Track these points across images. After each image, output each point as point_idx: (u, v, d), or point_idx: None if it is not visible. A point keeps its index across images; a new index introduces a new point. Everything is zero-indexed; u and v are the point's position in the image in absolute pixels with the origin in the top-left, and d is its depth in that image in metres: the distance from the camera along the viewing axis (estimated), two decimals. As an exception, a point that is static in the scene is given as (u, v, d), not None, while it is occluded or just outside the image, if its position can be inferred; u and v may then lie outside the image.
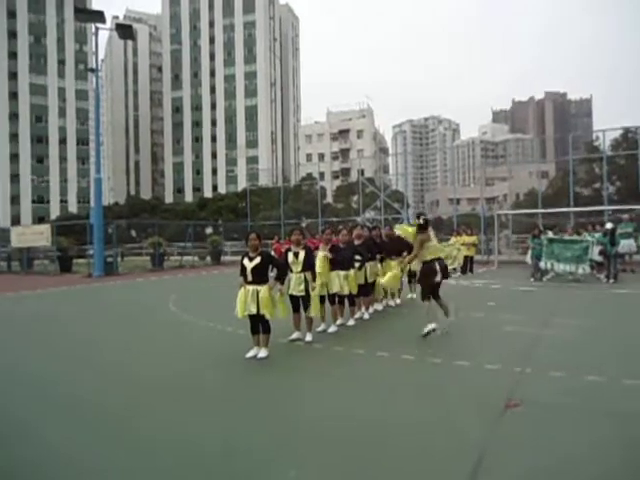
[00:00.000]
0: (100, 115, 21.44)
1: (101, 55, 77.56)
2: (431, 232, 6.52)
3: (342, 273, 6.98)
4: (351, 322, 7.32)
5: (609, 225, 13.80)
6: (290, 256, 6.17)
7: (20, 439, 3.41)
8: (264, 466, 2.93)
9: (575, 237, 13.81)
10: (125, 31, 21.93)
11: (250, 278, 5.42)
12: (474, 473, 2.74)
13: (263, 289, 5.39)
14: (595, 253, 13.18)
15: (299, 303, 6.23)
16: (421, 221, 6.47)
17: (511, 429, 3.37)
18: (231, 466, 2.94)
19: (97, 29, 20.57)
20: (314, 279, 6.19)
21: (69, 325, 8.25)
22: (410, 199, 66.98)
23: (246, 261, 5.49)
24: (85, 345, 6.56)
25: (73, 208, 64.91)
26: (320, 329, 6.73)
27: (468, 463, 2.84)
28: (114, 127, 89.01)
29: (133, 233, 31.45)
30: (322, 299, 6.61)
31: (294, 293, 6.17)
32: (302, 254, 6.12)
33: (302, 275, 6.12)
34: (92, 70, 22.08)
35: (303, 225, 23.37)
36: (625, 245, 14.77)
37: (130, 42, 72.16)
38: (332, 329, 6.84)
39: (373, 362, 5.26)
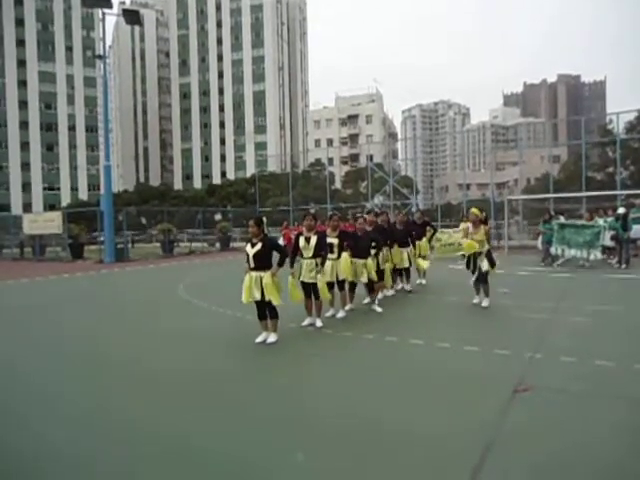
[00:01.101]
0: (108, 102, 21.46)
1: (108, 41, 77.29)
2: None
3: (360, 261, 6.94)
4: (378, 309, 7.21)
5: (621, 210, 13.63)
6: (301, 241, 6.14)
7: (15, 429, 3.49)
8: (271, 450, 2.97)
9: (587, 222, 13.66)
10: (132, 16, 21.81)
11: (253, 264, 5.45)
12: (483, 457, 2.75)
13: (266, 275, 5.38)
14: (607, 238, 13.03)
15: (310, 289, 6.20)
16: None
17: (520, 414, 3.38)
18: (236, 451, 2.98)
19: (104, 15, 20.47)
20: (323, 264, 6.18)
21: (82, 310, 8.37)
22: (419, 184, 66.51)
23: (248, 247, 5.54)
24: (96, 329, 6.66)
25: (83, 195, 65.38)
26: (329, 314, 6.76)
27: (478, 448, 2.86)
28: (122, 114, 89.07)
29: (143, 220, 31.63)
30: (331, 285, 6.62)
31: (305, 279, 6.15)
32: (314, 239, 6.09)
33: (313, 261, 6.11)
34: (100, 57, 22.01)
35: (312, 211, 23.34)
36: (638, 230, 14.61)
37: (137, 28, 71.67)
38: (340, 314, 6.85)
39: (382, 347, 5.28)
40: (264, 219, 5.90)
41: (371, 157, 36.47)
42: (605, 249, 13.34)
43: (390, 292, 8.62)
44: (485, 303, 7.34)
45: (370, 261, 7.09)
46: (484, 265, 7.24)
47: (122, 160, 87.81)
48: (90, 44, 69.60)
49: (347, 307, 7.16)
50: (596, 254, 12.77)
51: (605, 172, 28.91)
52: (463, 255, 7.71)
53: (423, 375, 4.40)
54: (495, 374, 4.30)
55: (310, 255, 6.11)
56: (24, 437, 3.23)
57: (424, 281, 9.94)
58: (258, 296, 5.39)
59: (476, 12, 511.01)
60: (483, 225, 7.39)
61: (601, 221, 13.47)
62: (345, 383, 4.17)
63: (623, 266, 12.37)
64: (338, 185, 46.03)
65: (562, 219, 13.78)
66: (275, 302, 5.38)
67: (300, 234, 6.27)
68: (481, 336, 5.67)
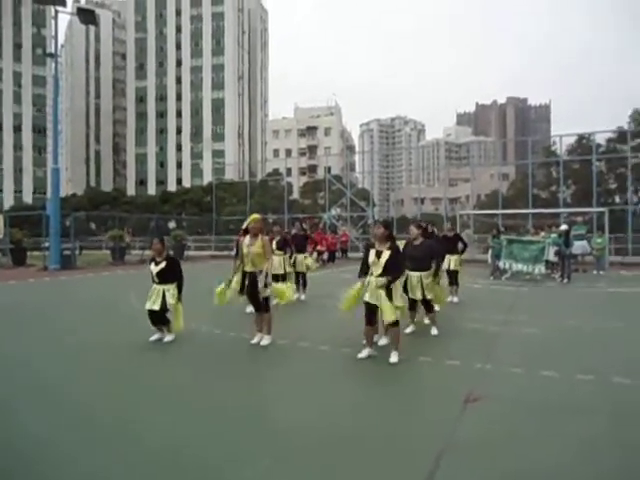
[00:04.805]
0: (59, 102, 20.60)
1: (61, 40, 74.48)
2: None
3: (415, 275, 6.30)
4: (434, 331, 6.47)
5: (564, 227, 14.41)
6: (371, 255, 5.08)
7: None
8: (238, 456, 2.90)
9: (533, 238, 14.35)
10: (87, 16, 21.10)
11: (157, 280, 5.94)
12: (435, 467, 2.80)
13: (172, 294, 5.91)
14: (551, 254, 13.73)
15: (375, 312, 5.10)
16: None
17: (470, 424, 3.47)
18: (206, 459, 2.89)
19: (57, 12, 19.69)
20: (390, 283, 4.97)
21: (22, 318, 7.90)
22: (376, 197, 67.69)
23: (152, 266, 6.00)
24: (41, 339, 6.30)
25: (28, 199, 62.17)
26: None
27: (430, 457, 2.91)
28: (74, 115, 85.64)
29: (92, 226, 30.43)
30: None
31: (370, 300, 5.07)
32: (386, 254, 5.00)
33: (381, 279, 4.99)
34: (51, 55, 21.15)
35: (271, 221, 23.18)
36: (578, 246, 15.49)
37: (92, 28, 69.46)
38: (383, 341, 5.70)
39: (337, 359, 5.29)
40: (165, 238, 6.35)
41: (329, 169, 36.88)
42: (549, 264, 14.03)
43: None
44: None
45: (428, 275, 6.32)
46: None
47: (72, 163, 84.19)
48: (41, 42, 66.83)
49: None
50: (540, 269, 13.42)
51: (549, 190, 30.57)
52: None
53: (376, 385, 4.44)
54: (446, 384, 4.41)
55: (379, 273, 5.01)
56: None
57: (456, 299, 9.28)
58: (157, 307, 5.85)
59: (433, 37, 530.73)
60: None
61: (547, 237, 14.16)
62: (297, 395, 4.14)
63: (565, 280, 13.03)
64: (296, 195, 46.09)
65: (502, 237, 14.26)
66: (176, 327, 5.96)
67: (371, 246, 5.14)
68: (433, 347, 5.80)
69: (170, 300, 5.92)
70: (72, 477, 2.78)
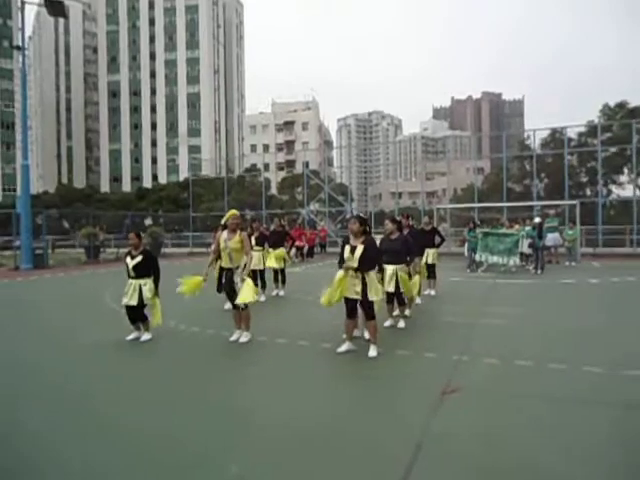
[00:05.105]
0: (27, 97, 19.96)
1: (28, 32, 72.21)
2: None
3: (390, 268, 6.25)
4: (401, 324, 6.54)
5: (537, 219, 14.74)
6: (346, 251, 5.16)
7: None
8: (204, 460, 2.88)
9: (507, 231, 14.62)
10: (55, 7, 20.43)
11: (133, 274, 5.86)
12: (414, 458, 2.84)
13: (149, 288, 5.84)
14: (525, 246, 14.03)
15: (356, 307, 5.21)
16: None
17: (448, 415, 3.53)
18: (173, 460, 2.86)
19: (23, 3, 19.08)
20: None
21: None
22: (354, 192, 67.93)
23: (128, 259, 5.95)
24: (11, 340, 6.13)
25: (-3, 196, 60.28)
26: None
27: (408, 450, 2.94)
28: (44, 110, 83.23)
29: (65, 224, 29.67)
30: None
31: (349, 295, 5.14)
32: (360, 249, 5.03)
33: (359, 275, 5.06)
34: (18, 47, 20.44)
35: (248, 217, 23.02)
36: (551, 238, 15.86)
37: (61, 20, 67.51)
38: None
39: (316, 354, 5.30)
40: (142, 233, 6.22)
41: (307, 164, 36.76)
42: (523, 256, 14.34)
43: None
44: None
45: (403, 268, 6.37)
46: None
47: (43, 160, 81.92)
48: (7, 33, 64.59)
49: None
50: (515, 260, 13.70)
51: (523, 184, 31.18)
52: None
53: (355, 379, 4.48)
54: (424, 377, 4.47)
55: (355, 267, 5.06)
56: None
57: (433, 292, 9.42)
58: (134, 302, 5.79)
59: (409, 33, 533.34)
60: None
61: (522, 230, 14.44)
62: (274, 389, 4.14)
63: (539, 272, 13.34)
64: (274, 191, 45.92)
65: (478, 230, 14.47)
66: (155, 321, 5.91)
67: (347, 241, 5.22)
68: (411, 340, 5.86)
69: (147, 294, 5.84)
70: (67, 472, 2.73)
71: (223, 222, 5.98)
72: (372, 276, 5.10)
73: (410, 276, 6.61)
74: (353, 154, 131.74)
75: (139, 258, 5.88)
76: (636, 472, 2.74)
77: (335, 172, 53.67)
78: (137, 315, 5.95)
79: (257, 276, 8.39)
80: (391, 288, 6.28)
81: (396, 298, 6.53)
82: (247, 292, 5.55)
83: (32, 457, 3.01)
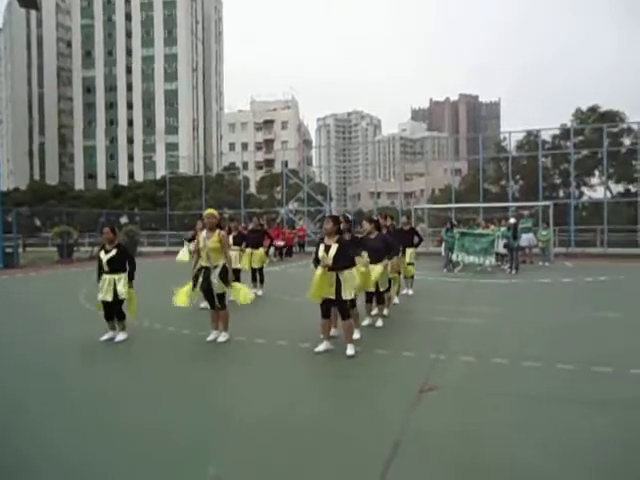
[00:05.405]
0: (-3, 90, 19.32)
1: (-1, 24, 70.02)
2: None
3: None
4: (379, 323, 6.58)
5: (512, 220, 15.02)
6: (321, 250, 5.17)
7: None
8: (182, 462, 2.84)
9: (483, 231, 14.86)
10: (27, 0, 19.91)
11: (107, 268, 5.80)
12: (392, 456, 2.85)
13: (123, 283, 5.78)
14: (500, 246, 14.28)
15: (330, 307, 5.22)
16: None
17: (425, 412, 3.56)
18: (166, 456, 2.81)
19: (-7, -6, 18.49)
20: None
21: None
22: (333, 192, 68.05)
23: (102, 254, 5.88)
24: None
25: (-35, 193, 58.25)
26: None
27: (387, 446, 2.96)
28: (15, 104, 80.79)
29: (37, 222, 28.90)
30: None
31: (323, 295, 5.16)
32: (334, 247, 5.07)
33: (333, 274, 5.10)
34: (-13, 39, 19.80)
35: (226, 216, 22.80)
36: (525, 239, 16.18)
37: (33, 12, 65.75)
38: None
39: (295, 354, 5.28)
40: (116, 228, 6.20)
41: (286, 163, 36.68)
42: (498, 256, 14.59)
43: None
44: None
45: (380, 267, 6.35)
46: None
47: (13, 155, 79.52)
48: (-24, 25, 62.51)
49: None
50: (491, 260, 13.94)
51: (499, 185, 31.75)
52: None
53: (333, 378, 4.48)
54: (402, 375, 4.51)
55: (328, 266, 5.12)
56: None
57: (411, 291, 9.52)
58: (110, 298, 5.72)
59: (390, 33, 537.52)
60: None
61: (497, 230, 14.70)
62: (256, 389, 4.11)
63: (514, 271, 13.60)
64: (253, 190, 45.63)
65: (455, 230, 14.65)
66: (131, 313, 5.90)
67: (322, 240, 5.32)
68: (389, 339, 5.90)
69: (122, 289, 5.77)
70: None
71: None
72: (346, 275, 5.12)
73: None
74: (332, 154, 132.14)
75: (113, 252, 5.82)
76: (611, 466, 2.81)
77: (314, 171, 53.77)
78: (113, 311, 5.84)
79: (239, 275, 8.32)
80: (371, 287, 6.31)
81: (375, 297, 6.56)
82: (243, 293, 5.76)
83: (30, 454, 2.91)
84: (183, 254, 9.24)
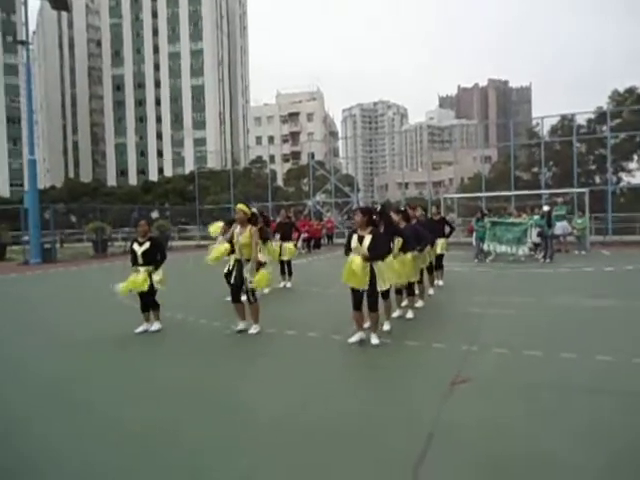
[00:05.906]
0: (32, 91, 19.96)
1: (32, 27, 72.07)
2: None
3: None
4: (410, 314, 6.50)
5: (546, 208, 14.59)
6: (354, 241, 5.16)
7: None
8: (222, 453, 2.89)
9: (516, 220, 14.49)
10: (58, 1, 20.40)
11: (141, 261, 5.92)
12: (425, 450, 2.82)
13: (157, 272, 5.94)
14: (534, 235, 13.91)
15: (362, 299, 5.16)
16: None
17: (458, 404, 3.51)
18: (181, 456, 2.87)
19: (26, -2, 19.04)
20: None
21: (6, 312, 7.75)
22: (360, 183, 67.66)
23: (136, 246, 5.99)
24: (29, 333, 6.19)
25: (5, 192, 60.53)
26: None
27: (421, 438, 2.93)
28: (49, 105, 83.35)
29: (73, 218, 29.82)
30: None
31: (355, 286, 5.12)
32: (368, 238, 5.04)
33: (367, 265, 5.02)
34: (22, 42, 20.44)
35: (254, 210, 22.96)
36: (560, 227, 15.72)
37: (65, 14, 67.33)
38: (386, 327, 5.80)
39: (326, 345, 5.29)
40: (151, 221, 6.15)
41: (312, 155, 36.66)
42: (532, 245, 14.22)
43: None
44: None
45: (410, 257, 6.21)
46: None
47: (49, 154, 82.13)
48: (11, 28, 64.50)
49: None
50: (524, 250, 13.60)
51: (531, 172, 30.85)
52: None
53: (364, 370, 4.47)
54: (434, 367, 4.45)
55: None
56: None
57: (441, 282, 9.31)
58: (145, 288, 5.86)
59: (417, 20, 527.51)
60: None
61: (529, 219, 14.31)
62: (287, 383, 4.14)
63: (548, 261, 13.23)
64: (280, 183, 45.84)
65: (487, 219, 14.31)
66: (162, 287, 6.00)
67: (355, 231, 5.27)
68: (420, 330, 5.84)
69: (156, 278, 5.93)
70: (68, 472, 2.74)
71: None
72: (380, 266, 5.08)
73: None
74: (359, 144, 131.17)
75: (147, 245, 5.96)
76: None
77: (341, 163, 53.53)
78: (148, 302, 6.00)
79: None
80: (413, 278, 6.28)
81: (405, 289, 6.50)
82: (261, 278, 5.79)
83: (32, 457, 3.03)
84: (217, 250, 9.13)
